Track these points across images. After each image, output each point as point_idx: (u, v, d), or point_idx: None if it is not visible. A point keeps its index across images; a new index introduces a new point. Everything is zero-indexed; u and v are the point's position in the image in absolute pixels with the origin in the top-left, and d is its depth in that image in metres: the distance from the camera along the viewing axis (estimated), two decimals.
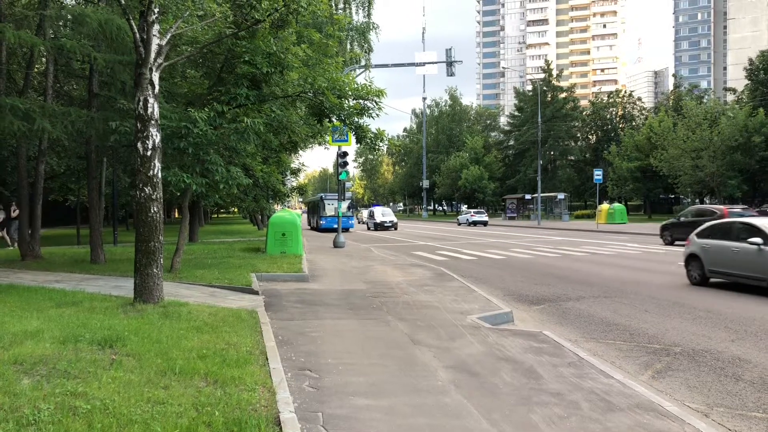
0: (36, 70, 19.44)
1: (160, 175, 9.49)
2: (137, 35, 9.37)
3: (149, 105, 9.28)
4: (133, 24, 9.38)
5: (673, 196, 68.03)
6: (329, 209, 44.28)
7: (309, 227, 53.50)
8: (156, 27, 9.44)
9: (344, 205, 44.71)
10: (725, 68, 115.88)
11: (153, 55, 9.38)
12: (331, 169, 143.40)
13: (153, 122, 9.32)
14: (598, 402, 5.52)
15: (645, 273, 15.80)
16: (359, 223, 62.36)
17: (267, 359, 6.55)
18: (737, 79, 78.69)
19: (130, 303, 9.35)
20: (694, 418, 5.22)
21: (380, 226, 47.26)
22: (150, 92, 9.31)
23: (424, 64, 50.22)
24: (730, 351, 7.67)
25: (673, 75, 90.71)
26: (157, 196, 9.39)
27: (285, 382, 5.78)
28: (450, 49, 47.21)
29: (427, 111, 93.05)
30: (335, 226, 42.02)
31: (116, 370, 5.78)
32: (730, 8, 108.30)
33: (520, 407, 5.38)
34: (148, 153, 9.27)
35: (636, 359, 7.46)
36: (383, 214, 49.55)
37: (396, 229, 47.13)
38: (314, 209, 51.64)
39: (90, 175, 17.55)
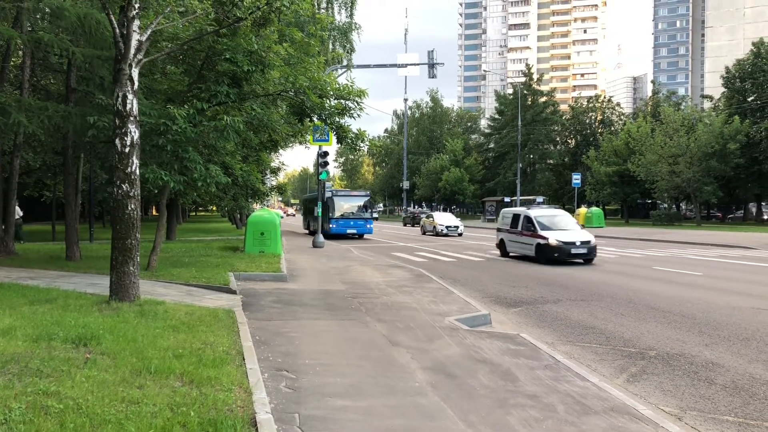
0: (12, 63, 19.11)
1: (138, 172, 9.39)
2: (117, 30, 9.26)
3: (128, 101, 9.18)
4: (113, 19, 9.27)
5: (650, 200, 68.77)
6: (342, 209, 35.67)
7: (307, 231, 41.25)
8: (136, 22, 9.34)
9: (359, 203, 36.55)
10: (702, 76, 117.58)
11: (133, 50, 9.28)
12: (311, 169, 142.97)
13: (132, 119, 9.23)
14: (574, 405, 5.56)
15: (621, 276, 15.95)
16: (426, 233, 40.02)
17: (244, 359, 6.51)
18: (714, 86, 79.76)
19: (106, 301, 9.24)
20: (668, 421, 5.28)
21: (562, 256, 19.19)
22: (129, 88, 9.22)
23: (406, 65, 50.29)
24: (703, 355, 7.77)
25: (652, 81, 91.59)
26: (134, 193, 9.30)
27: (262, 383, 5.75)
28: (432, 51, 47.45)
29: (409, 112, 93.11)
30: (349, 231, 35.30)
31: (90, 369, 5.71)
32: (708, 17, 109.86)
33: (496, 409, 5.40)
34: (126, 150, 9.18)
35: (612, 362, 7.53)
36: (551, 221, 20.68)
37: (592, 260, 19.73)
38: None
39: (66, 171, 17.30)
